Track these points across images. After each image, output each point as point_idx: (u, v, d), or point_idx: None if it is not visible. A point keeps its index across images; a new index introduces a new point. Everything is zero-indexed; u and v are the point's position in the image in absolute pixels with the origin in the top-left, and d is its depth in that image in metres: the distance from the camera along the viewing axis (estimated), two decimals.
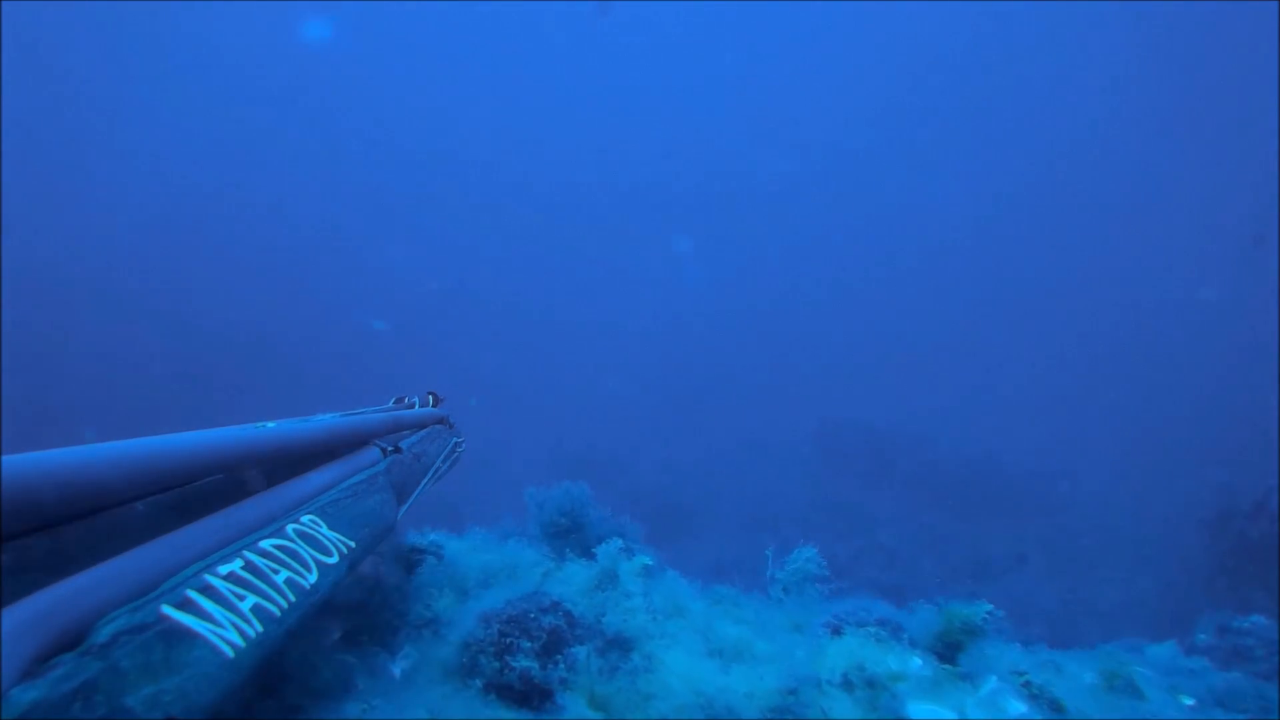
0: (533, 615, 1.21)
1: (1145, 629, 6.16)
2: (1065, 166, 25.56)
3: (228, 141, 22.93)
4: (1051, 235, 25.07)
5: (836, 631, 1.38)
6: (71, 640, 0.47)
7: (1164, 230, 23.30)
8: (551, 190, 29.59)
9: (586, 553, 1.60)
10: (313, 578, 0.73)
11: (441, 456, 1.58)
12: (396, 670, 1.19)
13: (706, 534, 9.44)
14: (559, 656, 1.18)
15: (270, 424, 0.92)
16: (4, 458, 0.51)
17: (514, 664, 1.13)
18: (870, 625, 1.38)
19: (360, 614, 1.28)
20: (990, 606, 1.31)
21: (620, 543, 1.49)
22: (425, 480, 1.43)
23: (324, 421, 1.07)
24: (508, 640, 1.16)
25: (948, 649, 1.30)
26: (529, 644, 1.17)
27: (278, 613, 0.63)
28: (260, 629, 0.60)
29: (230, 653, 0.55)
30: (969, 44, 25.77)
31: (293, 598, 0.67)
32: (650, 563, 1.48)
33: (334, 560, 0.80)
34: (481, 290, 24.85)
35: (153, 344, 14.34)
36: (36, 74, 18.53)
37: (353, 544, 0.86)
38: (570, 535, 1.79)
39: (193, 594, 0.57)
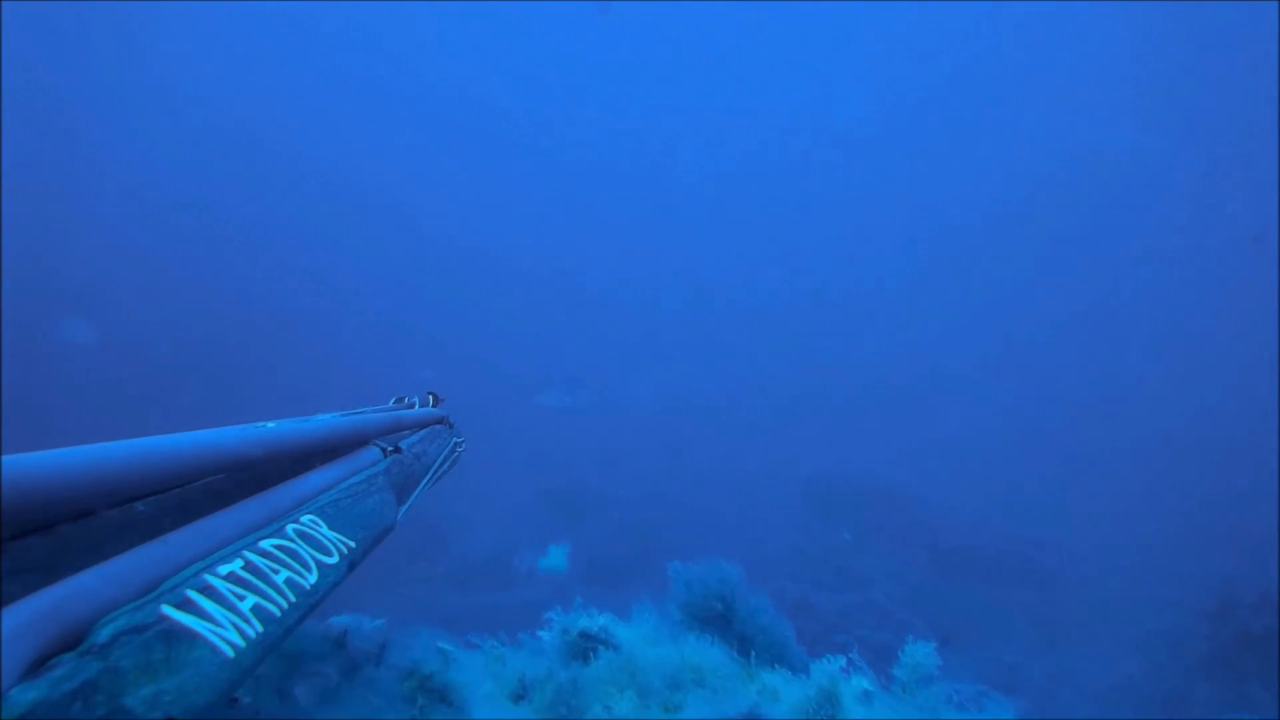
0: None
1: (1133, 712, 6.18)
2: (1064, 182, 25.32)
3: (221, 149, 22.93)
4: (1065, 304, 24.00)
5: None
6: (71, 640, 0.47)
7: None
8: (550, 190, 29.60)
9: (741, 644, 1.46)
10: (313, 578, 0.73)
11: (442, 457, 1.58)
12: None
13: None
14: None
15: (270, 424, 0.93)
16: (4, 458, 0.51)
17: None
18: None
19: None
20: None
21: (842, 660, 1.34)
22: (425, 480, 1.43)
23: (324, 421, 1.08)
24: None
25: None
26: None
27: (278, 613, 0.64)
28: (260, 629, 0.60)
29: (230, 653, 0.55)
30: (967, 51, 25.77)
31: (293, 598, 0.67)
32: (870, 688, 1.33)
33: (334, 560, 0.80)
34: (466, 298, 24.77)
35: (152, 344, 14.36)
36: (36, 71, 18.54)
37: (353, 544, 0.86)
38: (720, 623, 1.61)
39: (193, 594, 0.57)
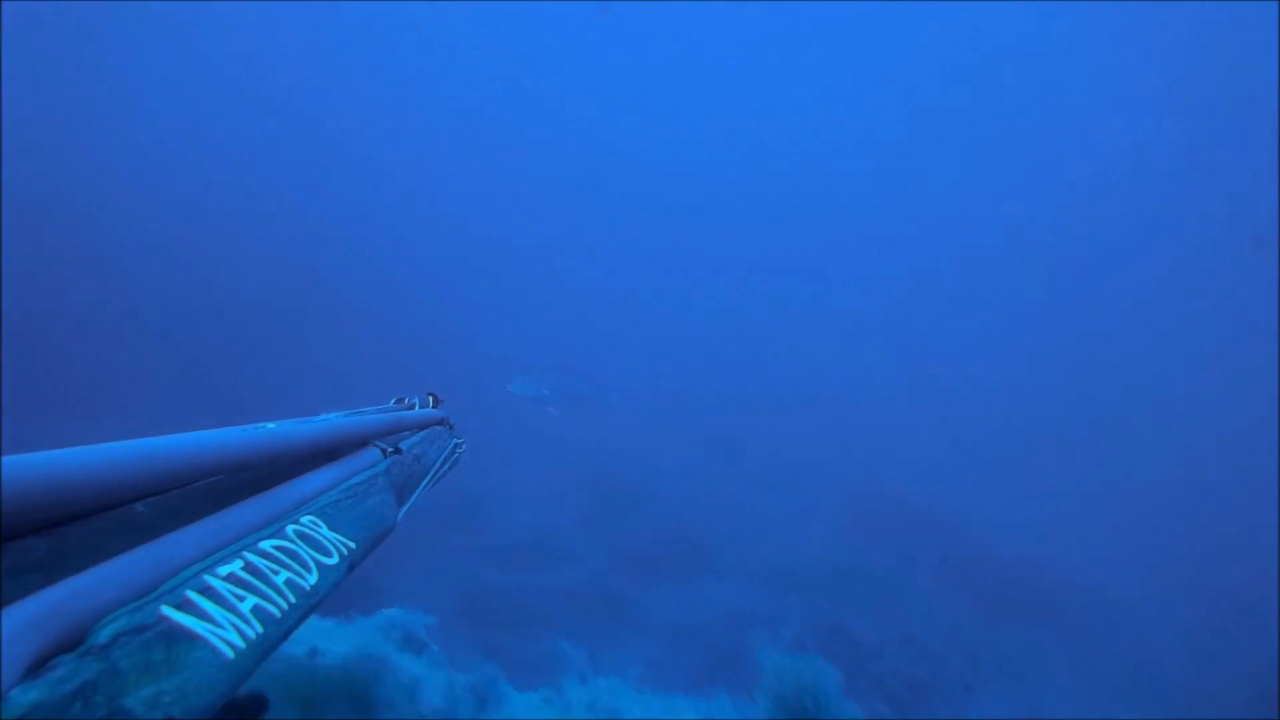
0: None
1: None
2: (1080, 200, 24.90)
3: (227, 143, 22.94)
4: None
5: None
6: (71, 641, 0.47)
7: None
8: (550, 192, 29.61)
9: None
10: (313, 579, 0.73)
11: (442, 458, 1.58)
12: None
13: (729, 575, 9.31)
14: None
15: (270, 424, 0.93)
16: (4, 458, 0.51)
17: None
18: None
19: None
20: None
21: None
22: (425, 482, 1.43)
23: (324, 422, 1.07)
24: None
25: None
26: None
27: (278, 614, 0.64)
28: (260, 630, 0.60)
29: (230, 654, 0.55)
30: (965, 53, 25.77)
31: (293, 598, 0.67)
32: None
33: (334, 561, 0.80)
34: (478, 294, 24.76)
35: (154, 343, 14.35)
36: (36, 68, 18.56)
37: (353, 545, 0.86)
38: None
39: (193, 595, 0.57)
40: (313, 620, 0.70)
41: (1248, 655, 7.49)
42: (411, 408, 1.67)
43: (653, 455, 14.01)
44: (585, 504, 11.36)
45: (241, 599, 0.61)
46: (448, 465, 1.64)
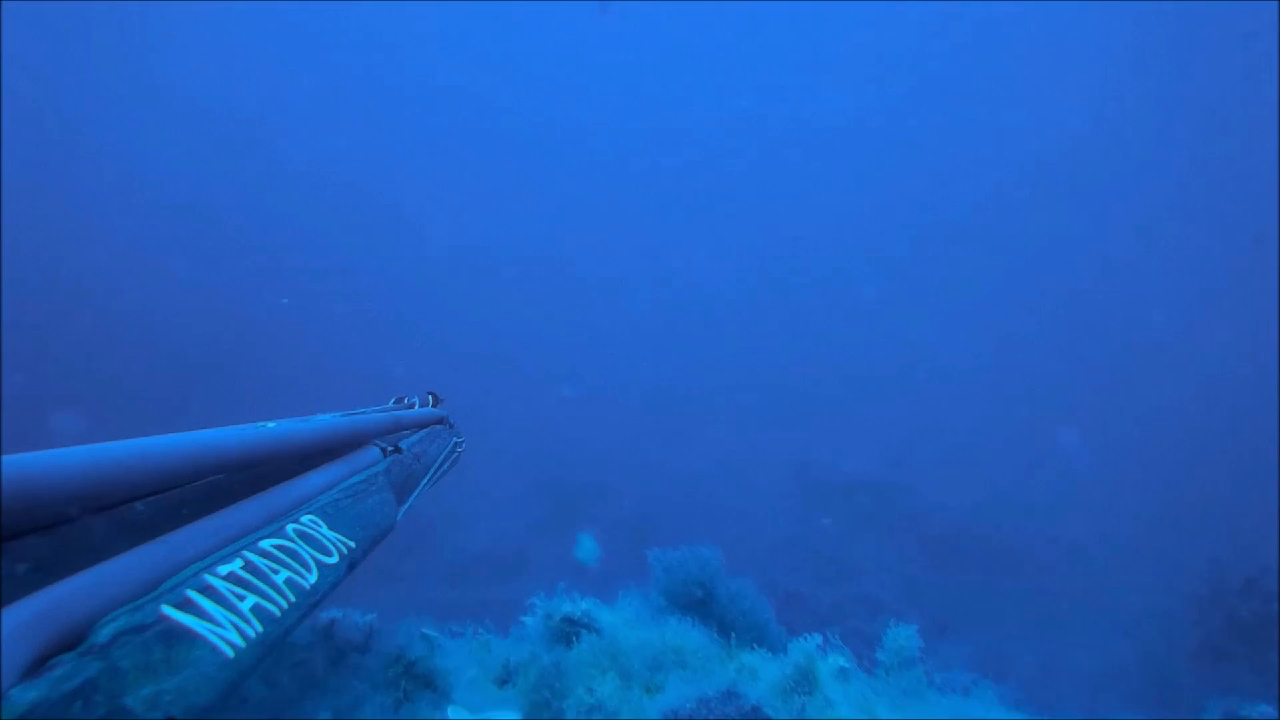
0: None
1: (1125, 700, 6.18)
2: (1064, 173, 25.39)
3: (224, 145, 22.93)
4: (1058, 281, 24.09)
5: None
6: (71, 640, 0.47)
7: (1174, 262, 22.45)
8: (548, 192, 29.61)
9: (721, 627, 1.45)
10: (313, 578, 0.73)
11: (441, 457, 1.58)
12: None
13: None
14: None
15: (270, 424, 0.92)
16: (4, 458, 0.51)
17: None
18: None
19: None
20: None
21: (819, 639, 1.33)
22: (425, 480, 1.43)
23: (324, 421, 1.07)
24: None
25: None
26: None
27: (277, 613, 0.64)
28: (260, 629, 0.60)
29: (230, 653, 0.55)
30: (965, 52, 25.78)
31: (293, 598, 0.67)
32: (846, 665, 1.32)
33: (334, 560, 0.80)
34: (465, 294, 24.78)
35: (152, 343, 14.35)
36: (36, 72, 18.54)
37: (353, 544, 0.86)
38: (700, 608, 1.60)
39: (193, 594, 0.57)
40: None
41: (1186, 570, 7.60)
42: (411, 407, 1.67)
43: (606, 454, 14.06)
44: (541, 510, 11.28)
45: (241, 598, 0.61)
46: (448, 464, 1.64)
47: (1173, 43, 21.78)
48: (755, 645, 1.42)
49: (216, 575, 0.61)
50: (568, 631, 1.37)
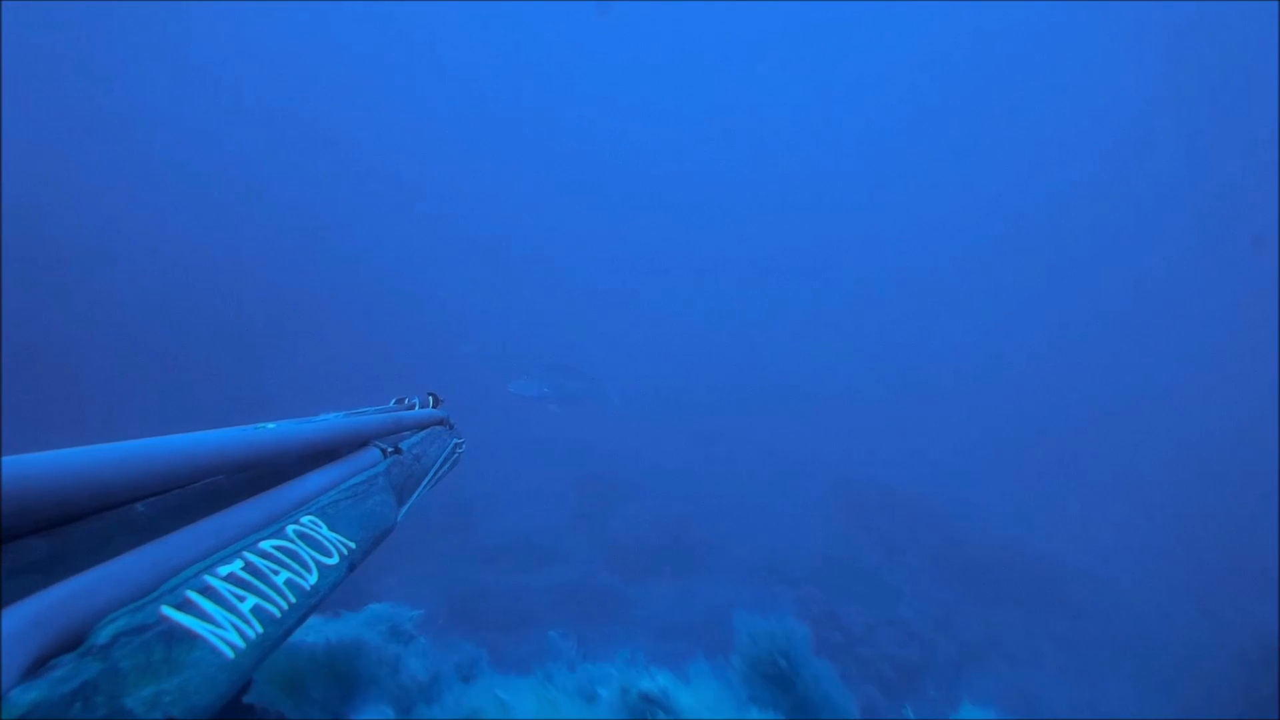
0: None
1: None
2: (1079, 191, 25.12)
3: (227, 145, 22.93)
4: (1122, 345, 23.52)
5: None
6: (71, 641, 0.47)
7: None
8: (549, 192, 29.62)
9: (800, 708, 1.35)
10: (313, 579, 0.73)
11: (442, 458, 1.58)
12: None
13: (720, 572, 9.36)
14: None
15: (270, 424, 0.93)
16: (4, 458, 0.51)
17: None
18: None
19: None
20: None
21: None
22: (425, 482, 1.43)
23: (324, 422, 1.07)
24: None
25: None
26: None
27: (278, 614, 0.64)
28: (260, 630, 0.60)
29: (230, 654, 0.55)
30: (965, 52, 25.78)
31: (293, 599, 0.67)
32: None
33: (334, 561, 0.80)
34: (476, 294, 24.76)
35: (153, 344, 14.35)
36: (36, 67, 18.55)
37: (353, 545, 0.86)
38: (783, 683, 1.52)
39: (193, 595, 0.57)
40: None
41: (1237, 631, 7.45)
42: (411, 408, 1.67)
43: (645, 452, 14.07)
44: (577, 503, 11.39)
45: (241, 599, 0.61)
46: (448, 465, 1.64)
47: (1172, 40, 21.76)
48: None
49: (216, 576, 0.61)
50: (645, 712, 1.29)
